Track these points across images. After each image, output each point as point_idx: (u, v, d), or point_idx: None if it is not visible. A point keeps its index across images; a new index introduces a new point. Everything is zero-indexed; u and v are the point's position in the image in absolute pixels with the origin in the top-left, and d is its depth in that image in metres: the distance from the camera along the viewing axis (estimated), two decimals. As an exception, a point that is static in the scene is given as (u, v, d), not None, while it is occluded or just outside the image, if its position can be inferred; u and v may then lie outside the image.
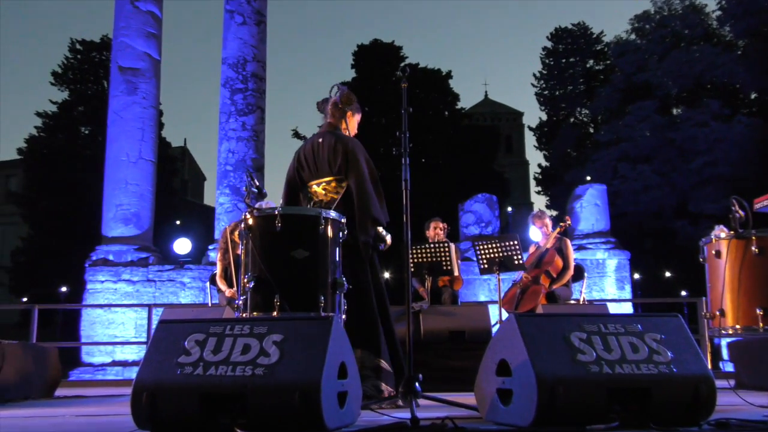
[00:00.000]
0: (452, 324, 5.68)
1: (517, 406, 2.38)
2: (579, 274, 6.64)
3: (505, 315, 6.12)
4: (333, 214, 3.23)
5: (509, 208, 36.37)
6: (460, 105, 33.68)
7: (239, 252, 3.21)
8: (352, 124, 4.11)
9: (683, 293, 23.08)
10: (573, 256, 6.55)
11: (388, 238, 3.86)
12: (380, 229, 3.81)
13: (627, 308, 9.79)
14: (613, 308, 8.56)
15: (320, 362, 2.27)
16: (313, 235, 3.10)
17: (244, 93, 10.92)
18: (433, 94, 31.38)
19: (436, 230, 6.81)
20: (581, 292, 6.69)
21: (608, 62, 33.61)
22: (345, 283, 3.15)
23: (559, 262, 6.31)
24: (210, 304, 7.03)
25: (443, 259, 6.07)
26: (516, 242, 5.95)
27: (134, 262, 9.95)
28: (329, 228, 3.15)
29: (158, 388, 2.32)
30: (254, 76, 11.05)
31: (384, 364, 3.62)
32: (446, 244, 6.17)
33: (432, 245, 6.16)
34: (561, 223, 6.61)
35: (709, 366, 2.52)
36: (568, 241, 6.56)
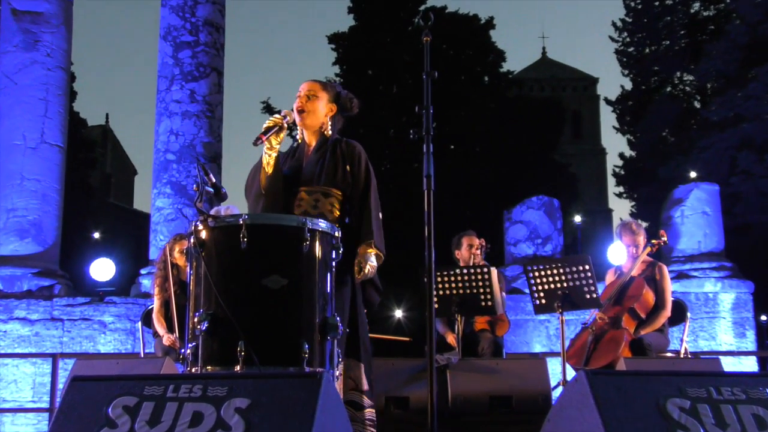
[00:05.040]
0: (494, 385, 5.67)
1: (588, 506, 2.39)
2: (679, 314, 6.62)
3: (571, 373, 6.11)
4: (323, 224, 3.23)
5: (577, 218, 36.36)
6: (506, 67, 33.81)
7: (186, 279, 3.22)
8: None
9: (832, 343, 23.00)
10: (671, 288, 6.53)
11: None
12: None
13: (750, 364, 9.75)
14: (729, 364, 8.52)
15: (304, 439, 2.28)
16: (294, 255, 3.11)
17: (193, 48, 10.96)
18: (467, 51, 31.49)
19: (470, 249, 6.82)
20: (682, 340, 6.67)
21: (722, 6, 33.59)
22: (339, 324, 3.15)
23: (650, 296, 6.30)
24: (143, 354, 7.04)
25: (481, 290, 6.06)
26: (587, 267, 5.95)
27: (33, 293, 9.97)
28: (317, 245, 3.16)
29: (70, 474, 2.33)
30: (208, 24, 11.10)
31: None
32: (485, 270, 6.17)
33: (465, 271, 6.17)
34: (654, 240, 6.60)
35: None
36: (665, 268, 6.55)
